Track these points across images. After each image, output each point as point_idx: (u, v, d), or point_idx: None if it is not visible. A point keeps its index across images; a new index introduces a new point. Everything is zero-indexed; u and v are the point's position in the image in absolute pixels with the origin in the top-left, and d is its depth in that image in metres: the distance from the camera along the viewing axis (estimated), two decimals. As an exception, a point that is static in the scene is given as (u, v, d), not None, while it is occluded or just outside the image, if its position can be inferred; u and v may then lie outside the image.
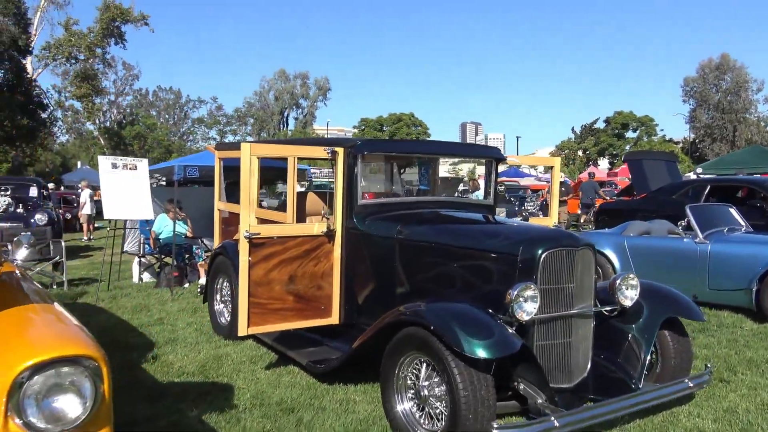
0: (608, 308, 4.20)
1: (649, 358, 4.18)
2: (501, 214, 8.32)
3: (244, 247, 4.52)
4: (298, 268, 4.75)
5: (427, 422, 3.63)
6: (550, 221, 5.80)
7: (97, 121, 52.76)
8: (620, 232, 8.45)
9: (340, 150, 4.83)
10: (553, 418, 3.29)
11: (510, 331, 3.53)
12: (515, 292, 3.57)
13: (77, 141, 62.27)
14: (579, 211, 17.68)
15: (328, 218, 4.82)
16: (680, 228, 7.75)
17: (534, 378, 3.64)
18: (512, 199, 22.53)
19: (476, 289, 4.02)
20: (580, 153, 73.81)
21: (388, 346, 3.78)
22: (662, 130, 72.81)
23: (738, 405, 4.28)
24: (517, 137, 68.62)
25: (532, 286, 3.62)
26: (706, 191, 11.12)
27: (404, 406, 3.74)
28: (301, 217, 5.45)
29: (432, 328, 3.45)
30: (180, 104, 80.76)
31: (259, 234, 4.56)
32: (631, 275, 4.20)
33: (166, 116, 76.02)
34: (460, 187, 16.36)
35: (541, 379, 3.62)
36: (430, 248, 4.37)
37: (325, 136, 76.27)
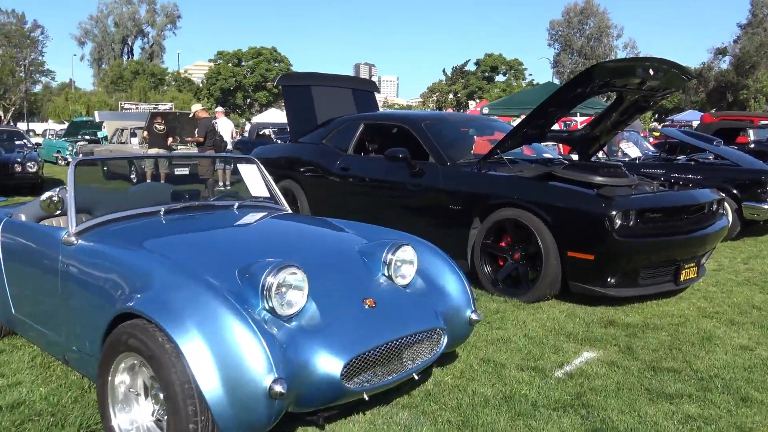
0: None
1: None
2: None
3: None
4: None
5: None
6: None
7: None
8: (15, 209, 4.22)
9: None
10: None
11: None
12: None
13: None
14: None
15: None
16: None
17: None
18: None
19: None
20: (450, 96, 71.88)
21: None
22: (530, 74, 71.39)
23: None
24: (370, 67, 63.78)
25: None
26: (359, 132, 7.23)
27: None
28: None
29: None
30: (23, 31, 69.04)
31: None
32: None
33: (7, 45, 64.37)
34: None
35: None
36: None
37: (176, 70, 68.11)
